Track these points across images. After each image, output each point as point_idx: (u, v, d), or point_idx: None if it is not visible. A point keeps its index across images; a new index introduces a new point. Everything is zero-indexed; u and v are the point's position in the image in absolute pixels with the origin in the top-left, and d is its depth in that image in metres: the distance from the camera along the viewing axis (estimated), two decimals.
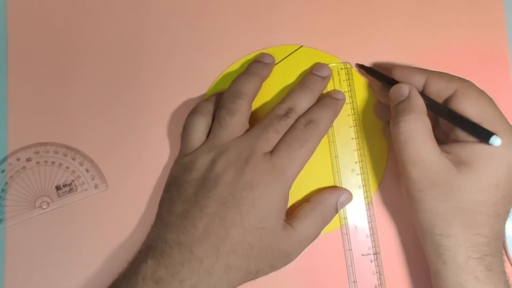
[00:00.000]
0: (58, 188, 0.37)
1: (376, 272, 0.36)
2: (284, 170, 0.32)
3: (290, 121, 0.34)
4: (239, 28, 0.38)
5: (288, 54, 0.38)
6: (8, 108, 0.37)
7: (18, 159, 0.37)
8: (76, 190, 0.37)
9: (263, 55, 0.37)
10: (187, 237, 0.31)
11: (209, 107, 0.35)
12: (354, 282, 0.36)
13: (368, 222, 0.37)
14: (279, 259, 0.33)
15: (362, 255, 0.37)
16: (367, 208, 0.37)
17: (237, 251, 0.31)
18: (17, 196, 0.37)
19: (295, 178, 0.33)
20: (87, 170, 0.37)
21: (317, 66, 0.37)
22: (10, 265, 0.36)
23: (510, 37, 0.38)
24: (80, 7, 0.38)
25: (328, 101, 0.36)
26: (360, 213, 0.37)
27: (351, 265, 0.37)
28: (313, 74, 0.37)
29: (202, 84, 0.38)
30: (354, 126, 0.38)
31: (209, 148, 0.33)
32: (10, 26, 0.38)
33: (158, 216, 0.34)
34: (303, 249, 0.34)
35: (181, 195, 0.33)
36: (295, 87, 0.36)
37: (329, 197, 0.35)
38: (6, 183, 0.37)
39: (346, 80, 0.38)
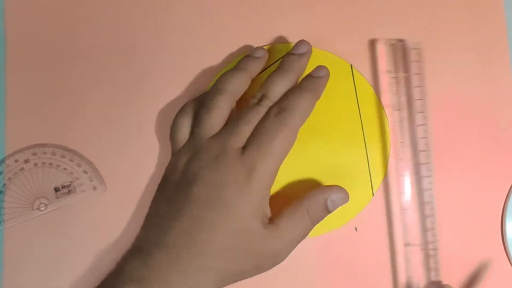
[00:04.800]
0: (56, 189, 0.37)
1: (425, 265, 0.36)
2: (255, 166, 0.31)
3: (262, 109, 0.32)
4: (239, 26, 0.38)
5: (287, 52, 0.37)
6: (6, 109, 0.37)
7: (16, 161, 0.37)
8: (75, 191, 0.37)
9: (255, 48, 0.36)
10: (167, 238, 0.30)
11: (194, 105, 0.34)
12: (397, 271, 0.36)
13: (424, 214, 0.36)
14: (265, 259, 0.32)
15: (407, 244, 0.36)
16: (429, 201, 0.36)
17: (215, 253, 0.30)
18: (15, 197, 0.36)
19: (272, 173, 0.32)
20: (85, 172, 0.37)
21: (295, 44, 0.35)
22: (8, 267, 0.36)
23: (510, 37, 0.38)
24: (79, 8, 0.38)
25: (306, 83, 0.34)
26: (417, 202, 0.36)
27: (395, 254, 0.36)
28: (289, 53, 0.35)
29: (202, 84, 0.38)
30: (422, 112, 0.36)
31: (189, 148, 0.33)
32: (9, 27, 0.38)
33: (147, 216, 0.34)
34: (292, 248, 0.33)
35: (164, 195, 0.33)
36: (272, 71, 0.34)
37: (317, 194, 0.33)
38: (4, 185, 0.36)
39: (417, 61, 0.37)
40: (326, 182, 0.37)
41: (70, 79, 0.38)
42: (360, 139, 0.37)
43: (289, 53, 0.35)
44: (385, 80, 0.38)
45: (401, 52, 0.37)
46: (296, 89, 0.33)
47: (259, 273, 0.32)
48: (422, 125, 0.36)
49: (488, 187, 0.37)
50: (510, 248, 0.37)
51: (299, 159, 0.37)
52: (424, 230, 0.36)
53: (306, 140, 0.37)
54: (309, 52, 0.35)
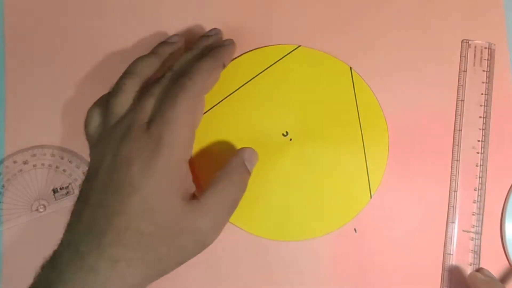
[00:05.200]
0: (55, 191, 0.36)
1: (473, 251, 0.36)
2: (161, 136, 0.28)
3: (165, 80, 0.31)
4: (236, 27, 0.38)
5: (286, 53, 0.37)
6: (5, 110, 0.37)
7: (15, 162, 0.37)
8: (73, 193, 0.36)
9: (171, 36, 0.36)
10: (74, 234, 0.28)
11: (106, 98, 0.32)
12: (449, 254, 0.36)
13: (476, 202, 0.37)
14: (188, 240, 0.29)
15: (463, 231, 0.36)
16: (479, 188, 0.37)
17: (123, 241, 0.27)
18: (13, 199, 0.36)
19: (183, 142, 0.29)
20: (84, 173, 0.36)
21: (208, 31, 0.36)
22: (7, 268, 0.36)
23: (510, 37, 0.38)
24: (79, 9, 0.38)
25: (207, 51, 0.33)
26: (470, 190, 0.37)
27: (451, 238, 0.36)
28: (200, 36, 0.35)
29: None
30: (484, 106, 0.37)
31: (100, 137, 0.31)
32: (7, 28, 0.38)
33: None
34: (220, 226, 0.31)
35: (80, 193, 0.30)
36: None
37: (234, 159, 0.32)
38: (3, 186, 0.36)
39: (487, 60, 0.37)
40: (324, 184, 0.37)
41: (69, 80, 0.38)
42: (358, 141, 0.37)
43: (200, 36, 0.35)
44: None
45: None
46: (199, 56, 0.33)
47: (185, 259, 0.30)
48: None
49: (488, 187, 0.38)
50: (510, 249, 0.37)
51: (298, 160, 0.37)
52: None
53: (305, 142, 0.37)
54: (218, 35, 0.35)
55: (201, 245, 0.30)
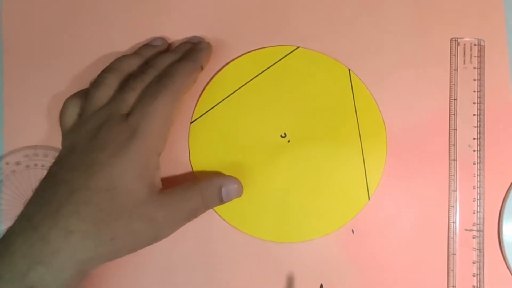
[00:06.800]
0: None
1: (477, 249, 0.36)
2: (139, 126, 0.30)
3: (147, 77, 0.33)
4: (234, 28, 0.39)
5: (285, 55, 0.38)
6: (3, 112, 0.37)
7: (7, 163, 0.36)
8: None
9: (156, 38, 0.38)
10: (31, 207, 0.29)
11: (86, 91, 0.34)
12: (453, 254, 0.36)
13: (476, 200, 0.36)
14: (143, 226, 0.30)
15: (466, 230, 0.36)
16: (478, 186, 0.37)
17: (81, 213, 0.28)
18: (7, 200, 0.36)
19: (158, 135, 0.31)
20: None
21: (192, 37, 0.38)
22: None
23: (510, 37, 0.39)
24: (75, 10, 0.39)
25: (186, 54, 0.36)
26: (469, 189, 0.37)
27: (453, 238, 0.36)
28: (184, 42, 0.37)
29: (197, 85, 0.37)
30: (477, 103, 0.37)
31: (76, 125, 0.33)
32: (5, 29, 0.38)
33: None
34: (176, 226, 0.32)
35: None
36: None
37: (213, 180, 0.34)
38: None
39: (477, 56, 0.38)
40: (322, 185, 0.37)
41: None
42: (357, 143, 0.37)
43: (186, 42, 0.38)
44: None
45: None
46: (180, 58, 0.35)
47: (136, 246, 0.30)
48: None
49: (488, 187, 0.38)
50: (508, 255, 0.36)
51: (296, 162, 0.37)
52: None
53: (303, 144, 0.37)
54: (197, 39, 0.38)
55: (154, 236, 0.31)
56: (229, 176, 0.36)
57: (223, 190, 0.34)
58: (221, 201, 0.34)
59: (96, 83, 0.33)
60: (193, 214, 0.32)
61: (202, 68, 0.36)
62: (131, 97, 0.32)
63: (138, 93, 0.32)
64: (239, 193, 0.35)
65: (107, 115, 0.31)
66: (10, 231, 0.28)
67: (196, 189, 0.32)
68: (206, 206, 0.33)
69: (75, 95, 0.34)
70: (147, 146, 0.30)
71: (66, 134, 0.33)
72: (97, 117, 0.32)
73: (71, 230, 0.27)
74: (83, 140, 0.30)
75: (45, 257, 0.27)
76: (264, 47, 0.38)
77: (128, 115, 0.31)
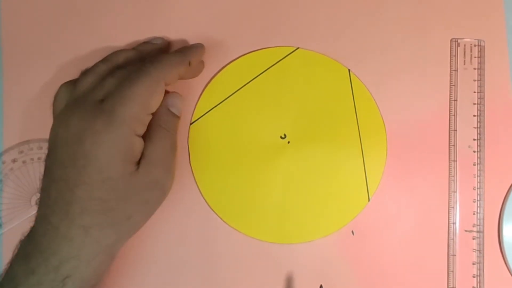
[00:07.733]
0: None
1: (477, 250, 0.36)
2: (114, 110, 0.30)
3: (132, 67, 0.32)
4: (234, 29, 0.39)
5: (285, 55, 0.38)
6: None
7: (4, 162, 0.36)
8: None
9: (156, 37, 0.38)
10: (45, 208, 0.30)
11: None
12: (453, 255, 0.36)
13: (476, 200, 0.36)
14: (150, 193, 0.31)
15: (466, 231, 0.36)
16: (478, 187, 0.37)
17: (90, 209, 0.29)
18: (11, 198, 0.36)
19: (136, 118, 0.30)
20: None
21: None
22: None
23: (510, 37, 0.39)
24: (74, 8, 0.39)
25: (178, 48, 0.36)
26: (469, 189, 0.37)
27: (453, 239, 0.36)
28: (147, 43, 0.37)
29: (196, 86, 0.38)
30: (477, 104, 0.37)
31: (61, 110, 0.32)
32: (4, 29, 0.38)
33: None
34: (170, 168, 0.33)
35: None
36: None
37: (159, 109, 0.33)
38: None
39: (477, 57, 0.38)
40: (322, 186, 0.37)
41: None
42: (356, 143, 0.37)
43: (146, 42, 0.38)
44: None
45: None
46: (167, 51, 0.36)
47: (152, 210, 0.32)
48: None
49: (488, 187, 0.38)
50: (508, 256, 0.36)
51: (296, 163, 0.37)
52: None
53: (303, 145, 0.37)
54: (193, 48, 0.37)
55: (162, 193, 0.32)
56: (170, 93, 0.35)
57: (170, 108, 0.34)
58: (177, 117, 0.35)
59: (88, 71, 0.33)
60: (173, 148, 0.33)
61: (189, 64, 0.35)
62: (110, 83, 0.31)
63: (119, 80, 0.31)
64: (181, 99, 0.35)
65: (84, 100, 0.31)
66: (35, 232, 0.30)
67: (157, 129, 0.32)
68: (174, 133, 0.34)
69: (69, 81, 0.34)
70: (125, 130, 0.30)
71: (53, 121, 0.32)
72: (75, 104, 0.31)
73: (88, 226, 0.29)
74: (62, 128, 0.30)
75: (73, 252, 0.29)
76: (264, 48, 0.38)
77: (102, 101, 0.30)
